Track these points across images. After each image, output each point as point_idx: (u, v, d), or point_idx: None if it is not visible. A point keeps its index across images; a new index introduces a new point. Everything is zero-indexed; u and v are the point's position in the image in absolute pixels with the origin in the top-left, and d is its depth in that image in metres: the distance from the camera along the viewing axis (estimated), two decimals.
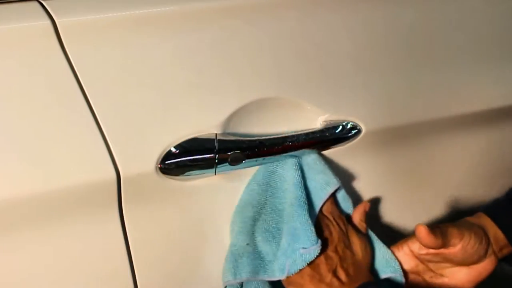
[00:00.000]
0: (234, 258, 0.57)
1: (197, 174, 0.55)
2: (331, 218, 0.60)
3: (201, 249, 0.58)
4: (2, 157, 0.47)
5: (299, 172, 0.59)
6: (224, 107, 0.55)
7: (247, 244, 0.57)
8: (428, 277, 0.62)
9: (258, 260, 0.57)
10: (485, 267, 0.60)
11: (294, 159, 0.59)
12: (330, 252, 0.57)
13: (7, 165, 0.47)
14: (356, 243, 0.59)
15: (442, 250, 0.59)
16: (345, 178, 0.65)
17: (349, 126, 0.61)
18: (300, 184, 0.58)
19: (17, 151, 0.47)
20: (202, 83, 0.54)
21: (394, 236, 0.71)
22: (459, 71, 0.66)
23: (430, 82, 0.65)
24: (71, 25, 0.50)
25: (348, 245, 0.59)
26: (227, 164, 0.55)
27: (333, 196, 0.62)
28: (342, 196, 0.63)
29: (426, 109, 0.65)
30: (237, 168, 0.57)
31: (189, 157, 0.54)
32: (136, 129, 0.51)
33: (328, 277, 0.55)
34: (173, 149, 0.53)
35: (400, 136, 0.66)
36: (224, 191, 0.59)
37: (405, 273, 0.61)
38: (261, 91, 0.57)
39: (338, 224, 0.59)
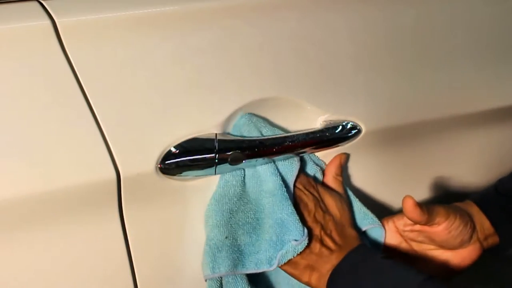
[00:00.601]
0: (212, 252, 0.56)
1: (197, 174, 0.55)
2: (301, 187, 0.59)
3: (201, 249, 0.58)
4: (2, 157, 0.47)
5: (273, 164, 0.58)
6: (224, 107, 0.55)
7: (226, 237, 0.56)
8: (411, 255, 0.62)
9: (237, 253, 0.57)
10: (468, 253, 0.60)
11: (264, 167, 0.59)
12: (310, 223, 0.57)
13: (7, 165, 0.47)
14: (332, 204, 0.59)
15: (426, 228, 0.58)
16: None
17: (349, 126, 0.61)
18: (276, 173, 0.57)
19: (17, 151, 0.47)
20: (202, 83, 0.54)
21: None
22: (459, 71, 0.66)
23: (430, 82, 0.65)
24: (71, 25, 0.50)
25: (325, 210, 0.59)
26: (227, 164, 0.55)
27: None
28: (310, 159, 0.62)
29: (426, 109, 0.65)
30: (237, 168, 0.57)
31: (189, 157, 0.54)
32: (136, 129, 0.51)
33: (317, 247, 0.56)
34: (173, 149, 0.53)
35: (400, 136, 0.66)
36: None
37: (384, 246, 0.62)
38: (261, 91, 0.57)
39: (310, 193, 0.59)
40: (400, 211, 0.61)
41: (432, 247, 0.61)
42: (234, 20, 0.55)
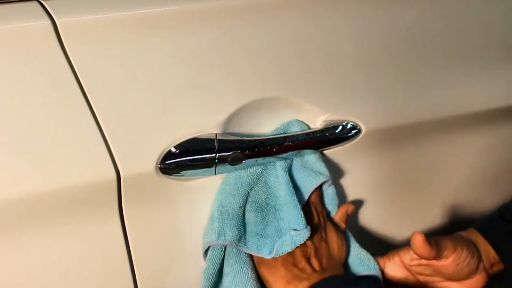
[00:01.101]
0: (222, 218, 0.56)
1: (197, 174, 0.55)
2: (313, 209, 0.60)
3: (201, 249, 0.58)
4: (2, 157, 0.47)
5: (287, 169, 0.59)
6: (224, 107, 0.55)
7: (240, 207, 0.57)
8: None
9: (243, 227, 0.57)
10: (475, 283, 0.60)
11: (283, 162, 0.60)
12: (307, 240, 0.56)
13: (7, 165, 0.47)
14: (333, 239, 0.59)
15: (433, 262, 0.59)
16: (344, 178, 0.65)
17: (349, 126, 0.61)
18: (288, 179, 0.58)
19: (17, 151, 0.47)
20: (202, 83, 0.54)
21: (393, 237, 0.71)
22: (459, 71, 0.66)
23: (430, 82, 0.65)
24: (71, 25, 0.50)
25: (324, 239, 0.59)
26: (227, 164, 0.55)
27: (320, 190, 0.62)
28: (330, 193, 0.63)
29: (426, 109, 0.65)
30: (237, 168, 0.57)
31: (189, 157, 0.54)
32: (136, 129, 0.51)
33: (302, 262, 0.56)
34: (173, 149, 0.53)
35: (400, 136, 0.66)
36: None
37: (389, 281, 0.61)
38: (261, 91, 0.57)
39: (318, 217, 0.60)
40: (404, 245, 0.61)
41: (439, 279, 0.61)
42: (234, 20, 0.55)
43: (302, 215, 0.56)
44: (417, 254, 0.57)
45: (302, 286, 0.53)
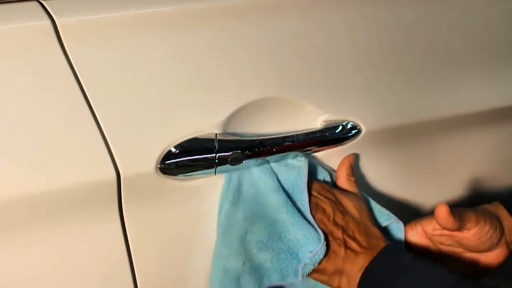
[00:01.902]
0: (235, 281, 0.56)
1: (197, 174, 0.55)
2: (316, 194, 0.59)
3: (201, 249, 0.58)
4: (2, 157, 0.47)
5: (273, 174, 0.58)
6: (224, 107, 0.55)
7: (243, 264, 0.56)
8: (438, 259, 0.62)
9: (258, 272, 0.56)
10: (496, 256, 0.60)
11: (266, 178, 0.58)
12: (331, 227, 0.57)
13: (7, 165, 0.47)
14: (350, 205, 0.59)
15: (456, 233, 0.58)
16: None
17: (349, 126, 0.61)
18: (279, 188, 0.57)
19: (17, 151, 0.47)
20: (202, 83, 0.54)
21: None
22: (459, 71, 0.66)
23: (430, 82, 0.65)
24: (71, 25, 0.50)
25: (344, 211, 0.59)
26: (227, 164, 0.55)
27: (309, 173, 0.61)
28: (318, 167, 0.62)
29: (426, 109, 0.65)
30: (237, 168, 0.57)
31: (189, 157, 0.54)
32: (136, 129, 0.51)
33: (341, 251, 0.56)
34: (173, 149, 0.53)
35: (400, 136, 0.66)
36: None
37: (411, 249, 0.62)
38: (261, 91, 0.57)
39: (326, 197, 0.59)
40: (428, 215, 0.61)
41: (460, 250, 0.61)
42: (234, 20, 0.55)
43: (312, 230, 0.55)
44: (440, 225, 0.57)
45: (355, 272, 0.54)
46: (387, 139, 0.65)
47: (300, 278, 0.55)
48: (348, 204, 0.59)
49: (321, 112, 0.60)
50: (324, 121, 0.60)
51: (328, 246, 0.55)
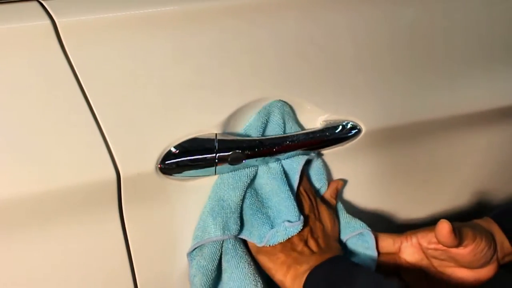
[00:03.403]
0: (224, 212, 0.56)
1: (197, 174, 0.55)
2: (302, 190, 0.60)
3: None
4: (2, 157, 0.47)
5: (279, 162, 0.60)
6: (224, 107, 0.55)
7: (240, 200, 0.57)
8: (430, 272, 0.62)
9: (240, 218, 0.57)
10: (486, 272, 0.60)
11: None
12: None
13: (7, 165, 0.47)
14: (325, 216, 0.60)
15: (451, 249, 0.59)
16: (344, 178, 0.65)
17: (349, 126, 0.61)
18: (281, 170, 0.59)
19: (17, 151, 0.47)
20: (202, 83, 0.54)
21: None
22: (459, 71, 0.66)
23: (430, 82, 0.65)
24: (71, 25, 0.50)
25: (318, 218, 0.60)
26: (227, 164, 0.55)
27: (307, 168, 0.63)
28: (317, 167, 0.63)
29: (426, 109, 0.65)
30: (237, 168, 0.57)
31: (189, 157, 0.54)
32: (136, 129, 0.51)
33: (300, 246, 0.56)
34: (173, 149, 0.53)
35: (400, 136, 0.66)
36: None
37: (402, 260, 0.62)
38: (261, 91, 0.57)
39: (308, 197, 0.60)
40: (423, 227, 0.61)
41: (452, 265, 0.61)
42: (234, 20, 0.55)
43: (296, 206, 0.56)
44: (439, 241, 0.57)
45: (303, 269, 0.54)
46: (387, 139, 0.65)
47: (263, 243, 0.55)
48: (324, 215, 0.60)
49: (321, 112, 0.60)
50: (324, 121, 0.60)
51: (291, 237, 0.56)
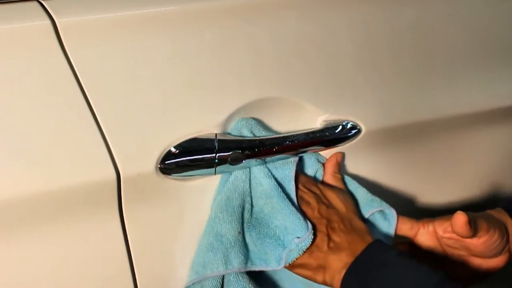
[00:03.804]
0: (225, 247, 0.55)
1: (197, 174, 0.55)
2: (301, 187, 0.60)
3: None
4: (2, 157, 0.47)
5: (266, 166, 0.59)
6: (224, 107, 0.55)
7: (239, 233, 0.56)
8: (441, 259, 0.63)
9: (246, 249, 0.57)
10: (497, 262, 0.61)
11: (262, 167, 0.59)
12: (315, 220, 0.57)
13: (7, 165, 0.47)
14: (335, 198, 0.60)
15: (465, 239, 0.59)
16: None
17: (349, 126, 0.61)
18: (270, 175, 0.58)
19: (17, 151, 0.47)
20: (202, 83, 0.54)
21: None
22: (459, 71, 0.66)
23: (430, 82, 0.65)
24: (71, 25, 0.50)
25: (328, 204, 0.59)
26: (227, 164, 0.55)
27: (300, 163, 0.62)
28: (310, 161, 0.62)
29: (426, 109, 0.65)
30: (237, 168, 0.57)
31: (189, 157, 0.54)
32: (136, 129, 0.51)
33: (324, 245, 0.56)
34: (173, 149, 0.53)
35: (400, 136, 0.66)
36: None
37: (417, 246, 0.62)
38: (261, 91, 0.57)
39: (311, 190, 0.60)
40: (442, 216, 0.61)
41: (465, 253, 0.61)
42: (234, 20, 0.55)
43: (300, 217, 0.55)
44: (455, 232, 0.58)
45: (339, 269, 0.54)
46: (387, 139, 0.65)
47: (282, 265, 0.55)
48: (333, 197, 0.60)
49: (321, 112, 0.60)
50: (324, 121, 0.60)
51: (313, 240, 0.55)
